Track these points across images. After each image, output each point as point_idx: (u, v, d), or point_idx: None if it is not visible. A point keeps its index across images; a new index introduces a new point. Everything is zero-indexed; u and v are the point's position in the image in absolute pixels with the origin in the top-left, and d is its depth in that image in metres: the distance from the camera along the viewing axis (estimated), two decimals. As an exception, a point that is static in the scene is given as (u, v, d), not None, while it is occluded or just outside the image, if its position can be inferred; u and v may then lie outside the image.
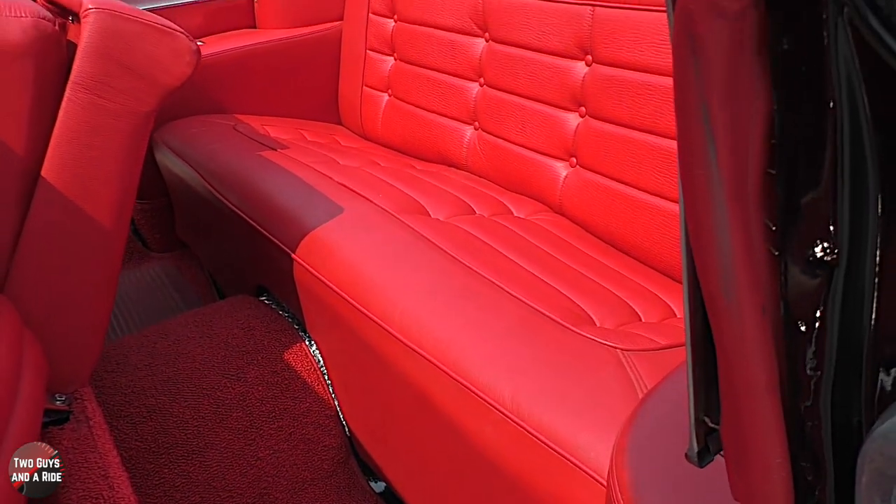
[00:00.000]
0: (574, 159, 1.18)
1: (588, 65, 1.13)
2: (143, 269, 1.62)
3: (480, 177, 1.37)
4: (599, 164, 1.13)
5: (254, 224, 1.10)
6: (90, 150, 0.74)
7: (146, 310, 1.52)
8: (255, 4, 1.73)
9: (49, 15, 0.72)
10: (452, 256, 0.91)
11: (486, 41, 1.33)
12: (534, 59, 1.22)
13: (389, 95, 1.60)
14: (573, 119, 1.18)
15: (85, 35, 0.71)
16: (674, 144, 1.00)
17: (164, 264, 1.66)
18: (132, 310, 1.50)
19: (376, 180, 1.18)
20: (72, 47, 0.77)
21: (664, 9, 0.99)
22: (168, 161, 1.44)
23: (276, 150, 1.31)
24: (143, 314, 1.50)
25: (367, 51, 1.63)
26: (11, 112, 0.71)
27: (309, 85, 1.75)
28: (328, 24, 1.73)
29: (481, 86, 1.36)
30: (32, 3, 0.74)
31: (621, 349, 0.76)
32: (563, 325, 0.79)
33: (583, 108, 1.16)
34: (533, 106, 1.24)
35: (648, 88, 1.02)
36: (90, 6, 0.71)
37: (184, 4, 1.64)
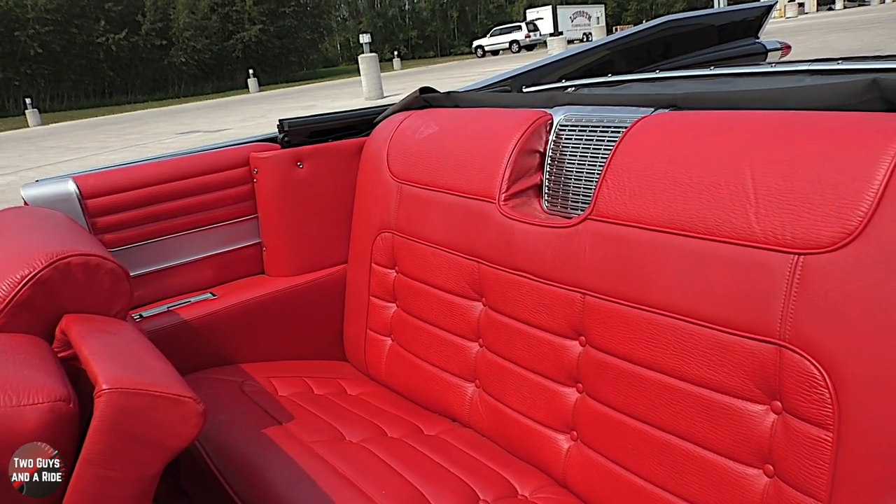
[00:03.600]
0: (575, 433, 1.19)
1: (582, 345, 1.17)
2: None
3: (484, 436, 1.38)
4: (600, 444, 1.13)
5: (257, 526, 1.09)
6: (96, 519, 0.76)
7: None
8: (264, 253, 1.82)
9: (65, 393, 0.77)
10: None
11: (484, 306, 1.38)
12: (529, 332, 1.26)
13: (392, 341, 1.64)
14: (571, 394, 1.20)
15: (98, 414, 0.75)
16: (673, 439, 1.02)
17: (168, 519, 1.63)
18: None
19: (379, 466, 1.19)
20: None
21: (655, 309, 1.04)
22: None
23: (281, 423, 1.32)
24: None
25: (371, 297, 1.69)
26: (21, 493, 0.73)
27: (315, 325, 1.81)
28: (333, 269, 1.81)
29: (480, 346, 1.40)
30: (50, 379, 0.78)
31: None
32: None
33: (580, 385, 1.18)
34: (530, 376, 1.26)
35: (643, 381, 1.05)
36: (105, 386, 0.75)
37: (196, 260, 1.73)
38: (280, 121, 1.77)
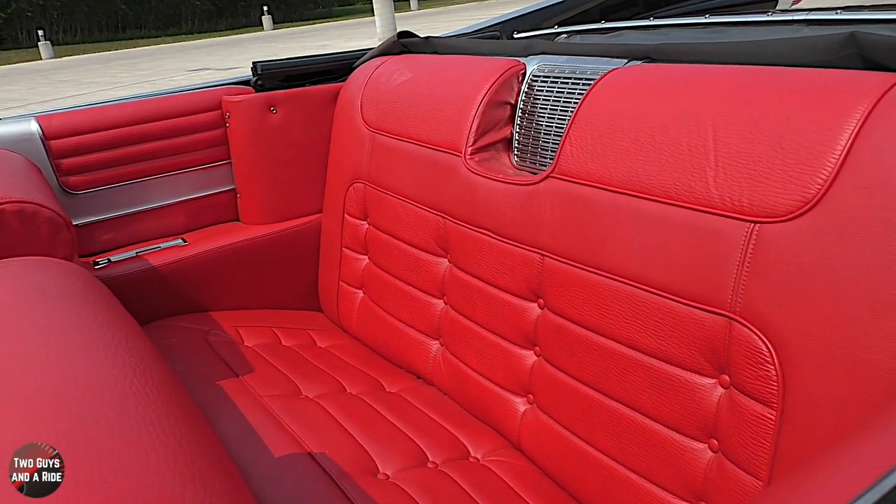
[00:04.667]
0: (531, 396, 1.17)
1: (541, 308, 1.13)
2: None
3: (446, 395, 1.36)
4: (553, 410, 1.11)
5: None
6: None
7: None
8: (238, 199, 1.78)
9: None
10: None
11: (449, 263, 1.34)
12: (490, 292, 1.22)
13: (363, 294, 1.61)
14: (529, 357, 1.17)
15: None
16: (622, 408, 0.99)
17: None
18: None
19: (330, 423, 1.17)
20: None
21: (610, 275, 1.00)
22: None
23: (238, 376, 1.31)
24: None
25: (343, 248, 1.66)
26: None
27: (290, 274, 1.78)
28: (308, 218, 1.77)
29: (445, 304, 1.36)
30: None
31: None
32: None
33: (537, 348, 1.15)
34: (490, 336, 1.23)
35: (596, 347, 1.01)
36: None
37: (168, 205, 1.70)
38: (253, 63, 1.71)
